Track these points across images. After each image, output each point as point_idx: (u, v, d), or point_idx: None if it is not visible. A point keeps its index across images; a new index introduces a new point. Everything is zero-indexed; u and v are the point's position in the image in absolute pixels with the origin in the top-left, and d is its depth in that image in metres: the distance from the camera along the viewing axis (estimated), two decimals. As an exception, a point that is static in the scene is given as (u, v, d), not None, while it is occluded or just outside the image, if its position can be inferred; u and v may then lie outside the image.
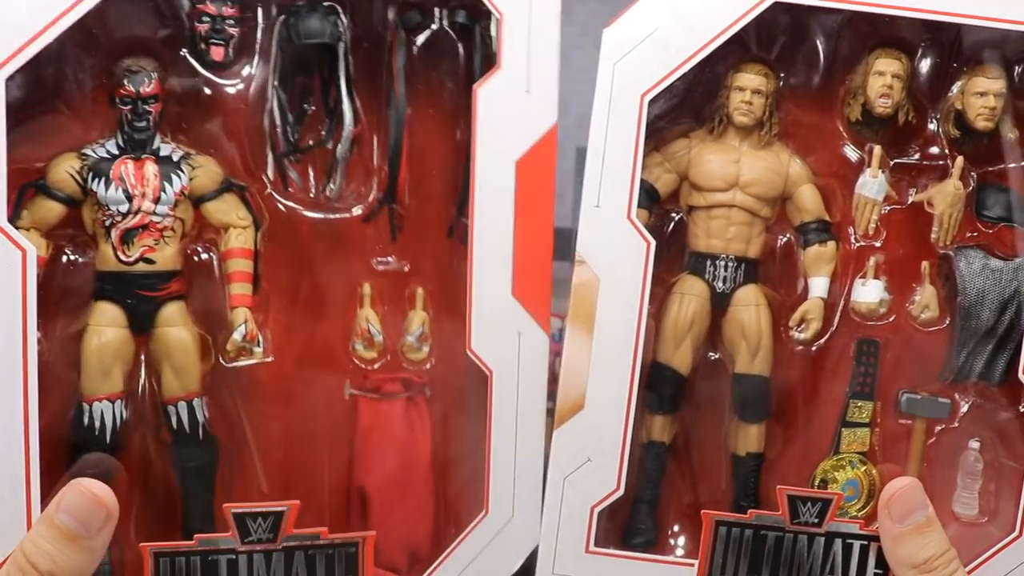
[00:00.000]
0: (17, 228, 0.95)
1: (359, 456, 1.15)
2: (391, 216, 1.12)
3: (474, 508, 1.10)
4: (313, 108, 1.10)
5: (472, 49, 1.09)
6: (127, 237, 1.02)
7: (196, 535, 0.98)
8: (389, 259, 1.15)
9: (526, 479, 1.09)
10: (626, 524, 1.17)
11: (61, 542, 0.89)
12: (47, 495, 0.94)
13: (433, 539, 1.16)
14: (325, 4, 1.06)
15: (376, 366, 1.15)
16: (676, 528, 1.20)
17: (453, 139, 1.13)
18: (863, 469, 1.18)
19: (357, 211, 1.14)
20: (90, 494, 0.90)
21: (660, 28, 1.05)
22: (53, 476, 0.98)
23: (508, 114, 1.04)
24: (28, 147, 1.00)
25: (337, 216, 1.13)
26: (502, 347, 1.07)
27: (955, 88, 1.15)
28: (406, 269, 1.15)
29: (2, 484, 0.94)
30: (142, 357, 1.08)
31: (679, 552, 1.19)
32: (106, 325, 1.02)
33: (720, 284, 1.17)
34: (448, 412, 1.17)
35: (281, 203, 1.12)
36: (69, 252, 1.06)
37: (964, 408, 1.20)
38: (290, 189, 1.11)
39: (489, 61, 1.06)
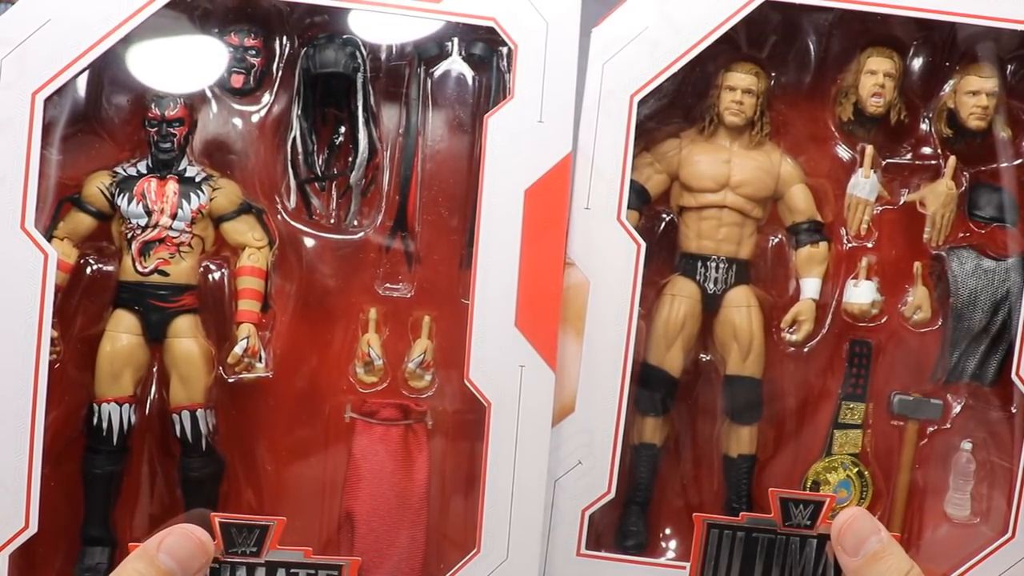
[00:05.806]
0: (52, 237, 1.04)
1: (350, 480, 1.13)
2: (405, 246, 1.12)
3: (467, 545, 1.07)
4: (342, 139, 1.13)
5: (488, 80, 1.09)
6: (145, 249, 1.07)
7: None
8: (398, 286, 1.14)
9: (525, 519, 1.05)
10: (617, 526, 1.17)
11: None
12: (48, 485, 1.00)
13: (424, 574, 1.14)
14: (343, 36, 1.08)
15: (371, 390, 1.14)
16: (668, 531, 1.20)
17: (468, 170, 1.13)
18: (855, 471, 1.18)
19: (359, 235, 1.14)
20: (195, 539, 0.91)
21: (649, 28, 1.04)
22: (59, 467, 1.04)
23: (519, 143, 1.03)
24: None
25: (341, 237, 1.14)
26: (502, 379, 1.04)
27: (947, 87, 1.15)
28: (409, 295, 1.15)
29: (5, 472, 0.98)
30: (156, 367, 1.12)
31: (671, 555, 1.19)
32: (121, 332, 1.08)
33: (711, 285, 1.16)
34: (448, 442, 1.15)
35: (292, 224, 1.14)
36: (93, 261, 1.11)
37: (956, 409, 1.19)
38: (314, 216, 1.13)
39: (503, 91, 1.06)
